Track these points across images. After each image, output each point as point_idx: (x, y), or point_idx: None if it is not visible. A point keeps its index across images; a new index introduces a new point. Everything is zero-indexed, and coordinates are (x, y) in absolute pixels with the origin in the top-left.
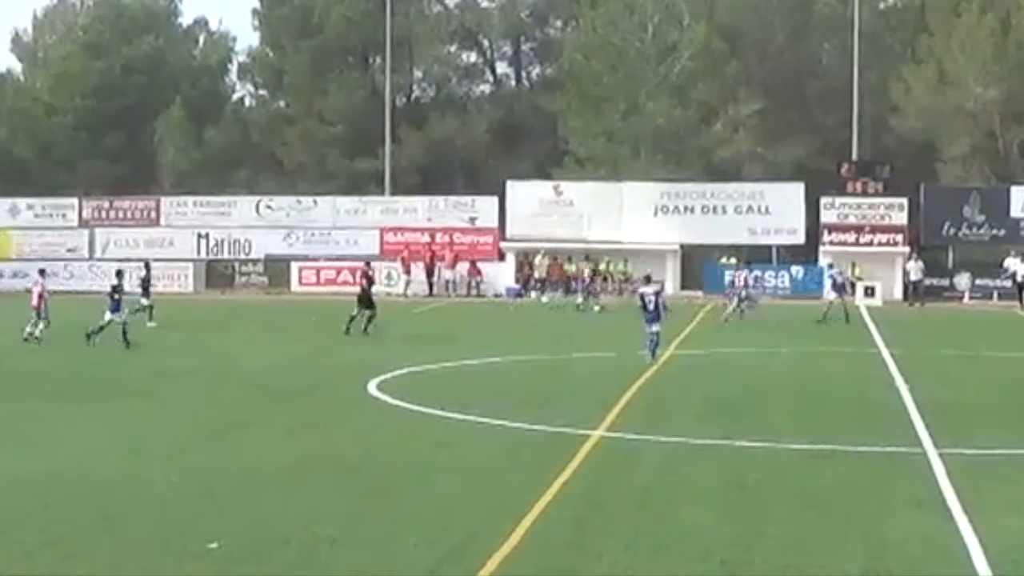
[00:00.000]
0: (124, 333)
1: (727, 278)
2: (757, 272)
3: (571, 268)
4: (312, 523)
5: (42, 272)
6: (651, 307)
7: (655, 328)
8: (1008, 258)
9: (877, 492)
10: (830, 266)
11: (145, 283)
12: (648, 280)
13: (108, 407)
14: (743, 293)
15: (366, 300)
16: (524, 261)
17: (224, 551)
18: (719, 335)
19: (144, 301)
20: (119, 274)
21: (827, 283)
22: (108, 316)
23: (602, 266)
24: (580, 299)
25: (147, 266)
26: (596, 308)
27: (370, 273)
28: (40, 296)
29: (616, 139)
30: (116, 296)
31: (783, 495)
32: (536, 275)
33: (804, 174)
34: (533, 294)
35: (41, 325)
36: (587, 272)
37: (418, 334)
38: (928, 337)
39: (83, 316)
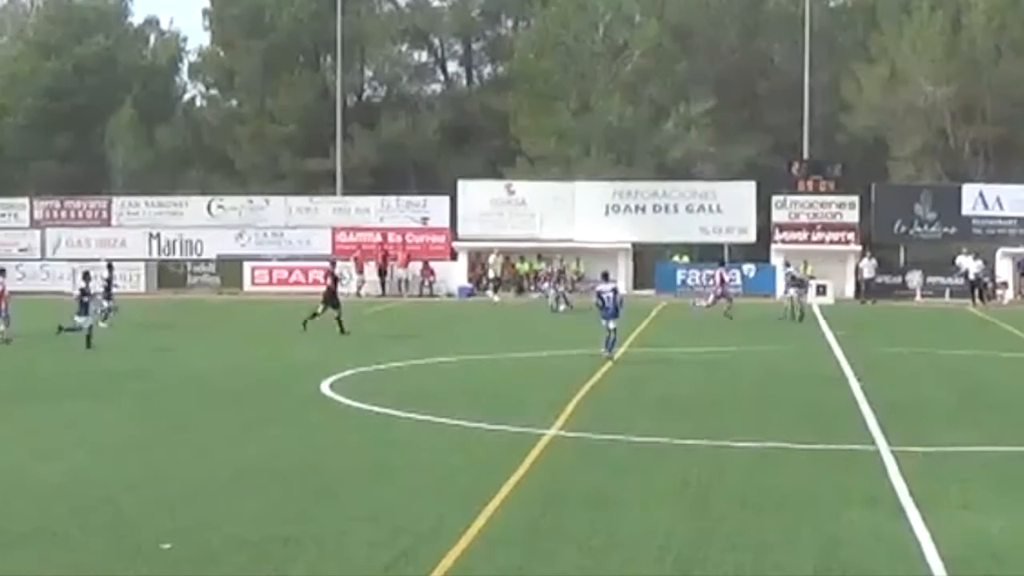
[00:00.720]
0: (88, 336)
1: (706, 276)
2: (735, 270)
3: (523, 267)
4: (266, 523)
5: (2, 271)
6: (609, 304)
7: (612, 325)
8: (960, 256)
9: (830, 490)
10: (787, 264)
11: (108, 284)
12: (606, 278)
13: (60, 408)
14: (719, 291)
15: (331, 299)
16: (476, 261)
17: (177, 552)
18: (673, 334)
19: (106, 304)
20: (86, 276)
21: (783, 281)
22: (78, 320)
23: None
24: (552, 299)
25: (110, 267)
26: (562, 308)
27: (335, 272)
28: (1, 295)
29: (567, 138)
30: (85, 299)
31: (736, 494)
32: (491, 274)
33: (756, 173)
34: (489, 293)
35: (2, 326)
36: (555, 272)
37: (371, 334)
38: (880, 335)
39: (38, 316)
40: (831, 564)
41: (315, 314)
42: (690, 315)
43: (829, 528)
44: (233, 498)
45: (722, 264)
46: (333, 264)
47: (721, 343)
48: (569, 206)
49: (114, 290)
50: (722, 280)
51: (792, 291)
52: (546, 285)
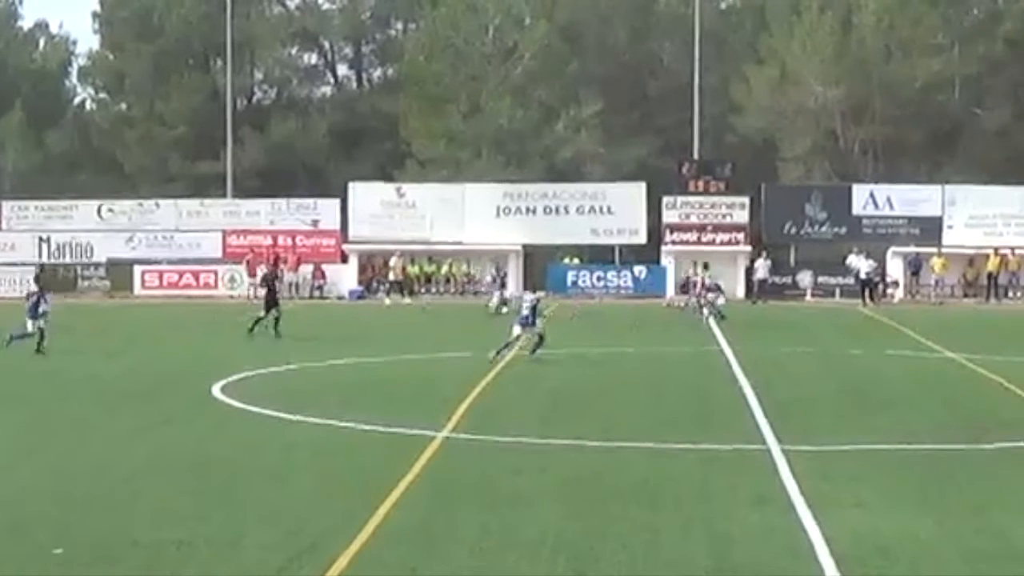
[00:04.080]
0: (40, 340)
1: (689, 279)
2: (711, 274)
3: (413, 270)
4: (159, 526)
5: None
6: (527, 311)
7: (536, 330)
8: (851, 255)
9: (722, 489)
10: (705, 266)
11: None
12: (533, 289)
13: None
14: (703, 294)
15: (272, 301)
16: (367, 263)
17: (70, 555)
18: (566, 335)
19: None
20: (37, 279)
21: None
22: (30, 326)
23: (444, 268)
24: (495, 301)
25: (41, 270)
26: (504, 310)
27: (277, 273)
28: None
29: (458, 140)
30: (36, 301)
31: (628, 493)
32: (392, 277)
33: (646, 174)
34: (382, 295)
35: None
36: (499, 276)
37: (263, 336)
38: (771, 335)
39: None
40: (723, 562)
41: (259, 319)
42: (719, 318)
43: (721, 527)
44: (126, 501)
45: (705, 267)
46: (275, 265)
47: (613, 343)
48: (460, 208)
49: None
50: (703, 284)
51: (709, 295)
52: (487, 287)
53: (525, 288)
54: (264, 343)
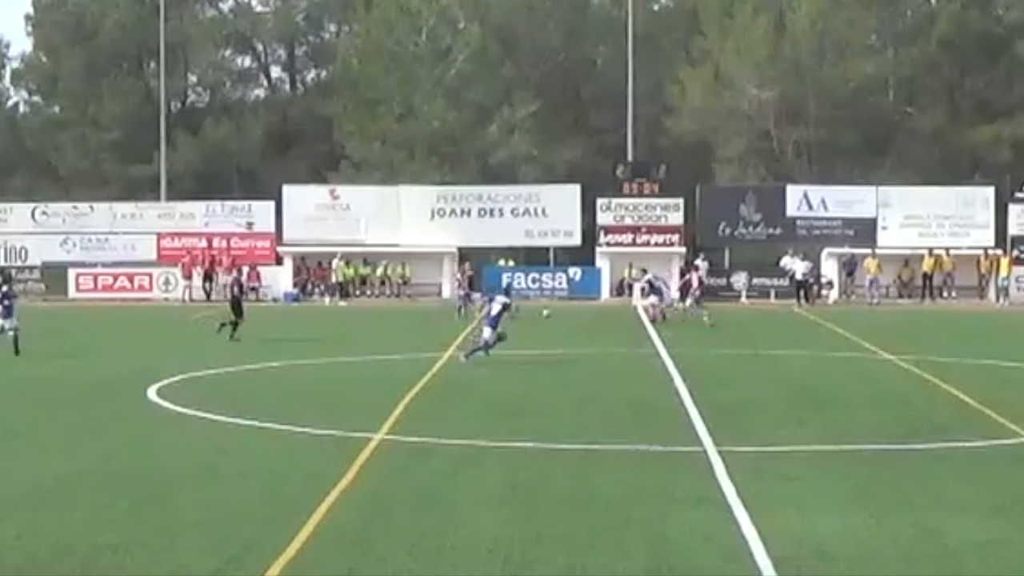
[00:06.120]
0: (15, 340)
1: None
2: (655, 274)
3: (348, 272)
4: (94, 531)
5: None
6: (492, 314)
7: (499, 332)
8: (785, 257)
9: (658, 491)
10: (643, 271)
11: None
12: (507, 292)
13: None
14: (697, 293)
15: (237, 307)
16: (302, 265)
17: (3, 561)
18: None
19: None
20: (8, 279)
21: (638, 289)
22: (2, 323)
23: (379, 270)
24: (460, 305)
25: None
26: (462, 311)
27: (242, 280)
28: None
29: (392, 142)
30: (7, 302)
31: (564, 495)
32: (333, 279)
33: (580, 175)
34: (318, 295)
35: None
36: (460, 276)
37: (198, 339)
38: (707, 336)
39: None
40: (660, 564)
41: (223, 324)
42: (678, 317)
43: (658, 528)
44: (60, 506)
45: (696, 268)
46: (240, 272)
47: (550, 345)
48: (394, 210)
49: None
50: (700, 283)
51: (653, 298)
52: (459, 290)
53: (459, 289)
54: (202, 346)
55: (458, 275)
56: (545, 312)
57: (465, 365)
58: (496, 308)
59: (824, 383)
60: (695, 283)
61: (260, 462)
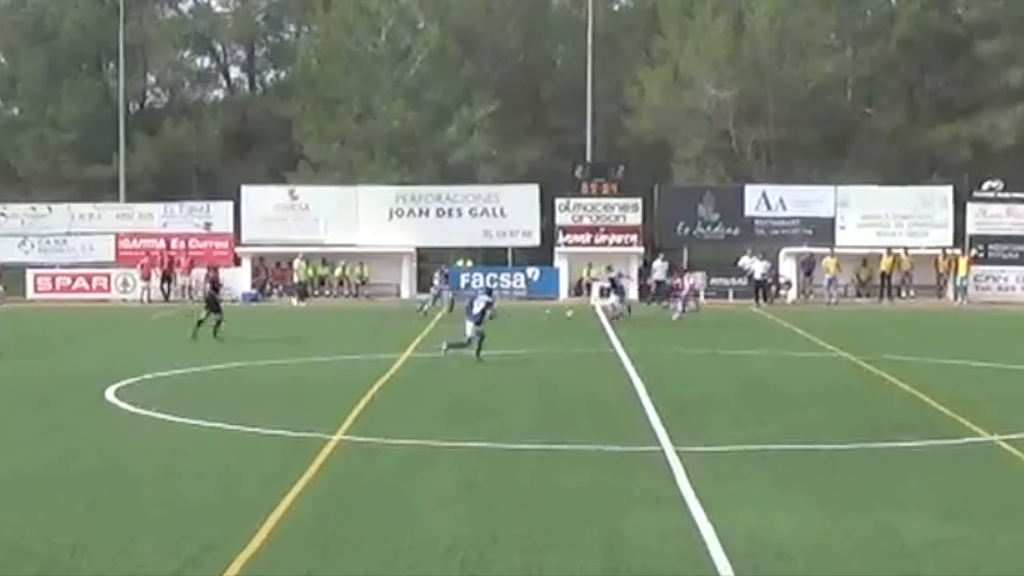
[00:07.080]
0: None
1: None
2: (699, 273)
3: (308, 272)
4: (52, 532)
5: None
6: (476, 311)
7: (479, 329)
8: (744, 257)
9: (615, 490)
10: (609, 268)
11: None
12: (489, 292)
13: None
14: (687, 295)
15: (213, 305)
16: (260, 266)
17: None
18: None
19: None
20: None
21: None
22: None
23: (338, 270)
24: (427, 305)
25: None
26: (425, 310)
27: (217, 279)
28: None
29: (350, 143)
30: None
31: (521, 495)
32: (296, 279)
33: (539, 176)
34: (293, 300)
35: None
36: (438, 277)
37: (157, 340)
38: (665, 336)
39: None
40: (618, 564)
41: (200, 322)
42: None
43: (615, 528)
44: (17, 508)
45: (687, 270)
46: (215, 271)
47: (509, 345)
48: (353, 211)
49: None
50: (694, 283)
51: (614, 297)
52: (437, 289)
53: (418, 291)
54: (164, 346)
55: (438, 276)
56: (569, 313)
57: (425, 364)
58: (479, 305)
59: (782, 382)
60: (690, 283)
61: (219, 463)
